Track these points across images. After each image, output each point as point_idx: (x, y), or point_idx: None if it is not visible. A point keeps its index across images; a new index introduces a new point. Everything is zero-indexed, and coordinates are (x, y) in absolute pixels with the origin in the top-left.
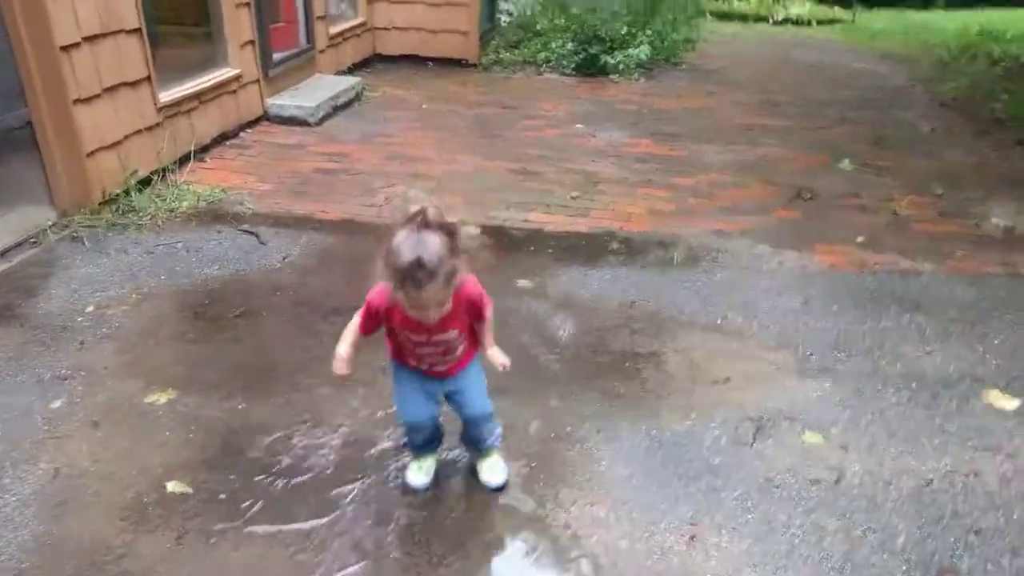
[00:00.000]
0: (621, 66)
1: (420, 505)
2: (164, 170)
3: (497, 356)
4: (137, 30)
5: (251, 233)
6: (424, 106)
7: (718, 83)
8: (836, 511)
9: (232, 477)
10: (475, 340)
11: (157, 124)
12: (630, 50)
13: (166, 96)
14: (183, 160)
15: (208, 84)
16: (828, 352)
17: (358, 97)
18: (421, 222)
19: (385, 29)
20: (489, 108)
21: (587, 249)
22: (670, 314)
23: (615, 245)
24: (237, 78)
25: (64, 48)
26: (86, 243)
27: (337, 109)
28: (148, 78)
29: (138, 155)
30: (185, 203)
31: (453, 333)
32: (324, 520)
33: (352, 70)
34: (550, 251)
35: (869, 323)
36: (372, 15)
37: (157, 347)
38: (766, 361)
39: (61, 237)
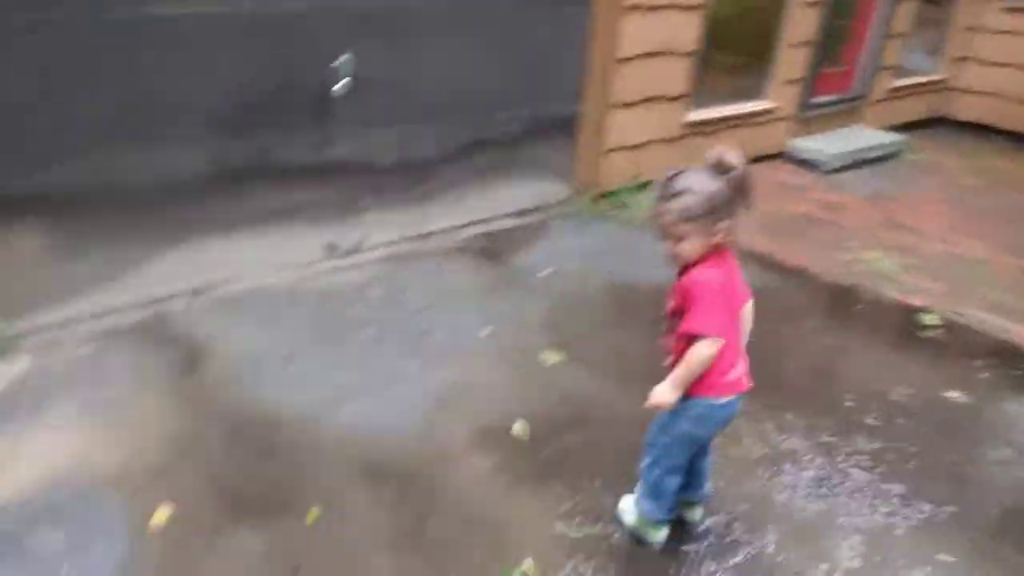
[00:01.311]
0: None
1: None
2: None
3: (655, 392)
4: (689, 54)
5: None
6: (962, 181)
7: None
8: None
9: (555, 439)
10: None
11: (677, 137)
12: None
13: (693, 115)
14: None
15: (738, 112)
16: None
17: (893, 155)
18: (716, 163)
19: (960, 91)
20: None
21: None
22: None
23: None
24: (769, 111)
25: (620, 60)
26: (575, 221)
27: (862, 163)
28: (683, 96)
29: (649, 161)
30: None
31: (673, 323)
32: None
33: (905, 128)
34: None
35: None
36: (958, 73)
37: (572, 317)
38: None
39: (560, 212)
